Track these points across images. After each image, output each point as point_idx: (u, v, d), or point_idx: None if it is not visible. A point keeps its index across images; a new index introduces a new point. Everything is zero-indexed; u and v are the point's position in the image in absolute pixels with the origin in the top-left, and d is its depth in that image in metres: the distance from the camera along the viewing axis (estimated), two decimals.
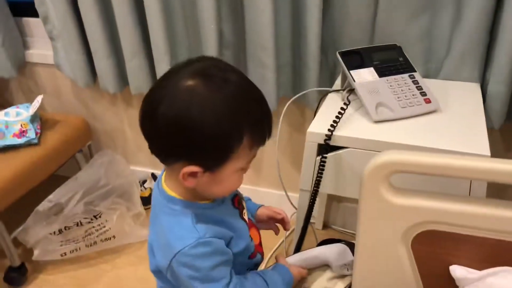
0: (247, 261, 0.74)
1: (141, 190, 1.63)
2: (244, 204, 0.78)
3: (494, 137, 1.20)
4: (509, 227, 0.60)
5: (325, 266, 0.85)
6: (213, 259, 0.64)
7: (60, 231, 1.36)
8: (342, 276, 0.82)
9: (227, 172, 0.63)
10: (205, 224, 0.64)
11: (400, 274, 0.68)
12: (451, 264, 0.65)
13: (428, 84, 0.99)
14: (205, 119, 0.57)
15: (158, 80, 0.63)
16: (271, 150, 1.47)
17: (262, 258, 0.80)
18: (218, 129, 0.58)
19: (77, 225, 1.37)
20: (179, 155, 0.61)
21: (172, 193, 0.67)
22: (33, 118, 1.41)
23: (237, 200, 0.75)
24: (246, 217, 0.76)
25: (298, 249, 1.03)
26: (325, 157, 0.90)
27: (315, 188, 0.94)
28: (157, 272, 0.71)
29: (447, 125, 0.91)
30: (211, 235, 0.64)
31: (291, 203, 1.17)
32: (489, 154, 0.80)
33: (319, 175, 0.92)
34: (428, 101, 0.96)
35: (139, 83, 1.39)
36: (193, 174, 0.61)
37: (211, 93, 0.58)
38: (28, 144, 1.37)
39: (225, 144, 0.59)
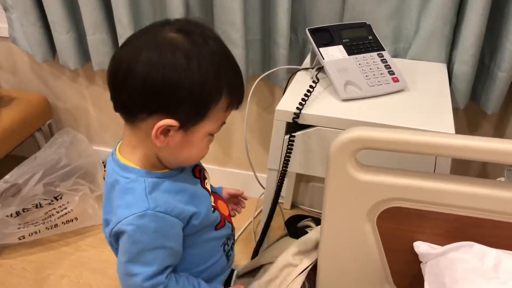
0: (215, 233, 0.71)
1: (105, 171, 1.58)
2: (206, 174, 0.75)
3: (458, 117, 1.23)
4: (471, 203, 0.61)
5: (289, 239, 0.84)
6: (154, 238, 0.60)
7: (17, 213, 1.29)
8: (307, 252, 0.82)
9: (199, 134, 0.61)
10: (160, 196, 0.61)
11: (365, 250, 0.68)
12: (415, 240, 0.65)
13: (396, 63, 0.99)
14: (190, 70, 0.56)
15: (135, 33, 0.61)
16: (239, 130, 1.45)
17: (233, 230, 0.77)
18: (201, 82, 0.57)
19: (36, 206, 1.32)
20: (155, 108, 0.58)
21: (127, 162, 0.64)
22: None
23: (197, 170, 0.72)
24: (208, 187, 0.73)
25: (266, 229, 1.02)
26: (294, 136, 0.89)
27: (283, 168, 0.93)
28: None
29: (414, 104, 0.91)
30: (164, 210, 0.60)
31: (260, 183, 1.16)
32: (453, 132, 0.81)
33: (287, 154, 0.91)
34: (396, 80, 0.96)
35: (102, 59, 1.33)
36: (166, 131, 0.59)
37: (196, 46, 0.57)
38: None
39: (205, 99, 0.59)
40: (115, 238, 0.62)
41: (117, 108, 0.62)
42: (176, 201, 0.62)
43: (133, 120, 0.61)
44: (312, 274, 0.81)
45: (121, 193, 0.62)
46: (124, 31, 1.23)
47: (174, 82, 0.56)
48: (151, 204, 0.59)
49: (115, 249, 0.65)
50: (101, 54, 1.33)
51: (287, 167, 0.92)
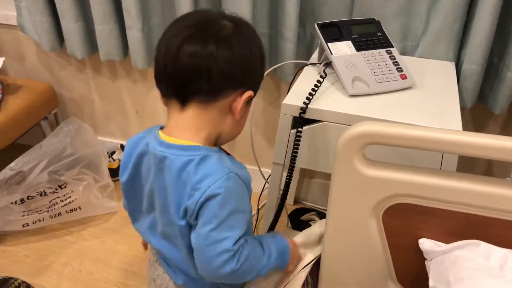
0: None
1: (109, 161, 1.58)
2: None
3: (465, 117, 1.22)
4: (478, 201, 0.61)
5: (292, 231, 0.84)
6: (238, 201, 0.65)
7: (22, 200, 1.30)
8: (311, 246, 0.82)
9: (250, 107, 0.72)
10: (230, 165, 0.67)
11: (370, 246, 0.68)
12: (420, 237, 0.65)
13: (405, 60, 0.98)
14: (260, 49, 0.70)
15: (192, 25, 0.66)
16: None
17: None
18: (264, 58, 0.71)
19: (41, 194, 1.32)
20: (241, 82, 0.67)
21: (191, 142, 0.67)
22: None
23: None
24: None
25: (273, 225, 1.02)
26: (301, 131, 0.89)
27: (291, 164, 0.92)
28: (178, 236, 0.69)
29: (422, 102, 0.91)
30: (240, 175, 0.66)
31: (264, 178, 1.16)
32: (461, 130, 0.81)
33: (295, 149, 0.90)
34: (404, 77, 0.95)
35: (109, 49, 1.33)
36: (247, 102, 0.69)
37: (254, 32, 0.71)
38: None
39: (263, 73, 0.73)
40: (200, 207, 0.63)
41: (190, 94, 0.66)
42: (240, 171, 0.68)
43: (210, 101, 0.66)
44: (315, 269, 0.81)
45: (198, 168, 0.64)
46: (132, 22, 1.23)
47: (256, 56, 0.68)
48: (230, 169, 0.65)
49: (187, 229, 0.67)
50: (108, 45, 1.32)
51: (294, 163, 0.92)
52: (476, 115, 1.22)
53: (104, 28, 1.29)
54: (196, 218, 0.65)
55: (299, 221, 0.97)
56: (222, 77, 0.64)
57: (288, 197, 1.49)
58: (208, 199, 0.63)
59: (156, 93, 1.50)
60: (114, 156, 1.62)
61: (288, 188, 0.95)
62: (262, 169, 1.12)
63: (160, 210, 0.71)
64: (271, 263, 0.72)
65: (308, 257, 0.80)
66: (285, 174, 0.95)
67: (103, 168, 1.44)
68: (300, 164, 0.94)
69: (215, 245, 0.64)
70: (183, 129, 0.68)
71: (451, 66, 1.07)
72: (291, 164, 0.92)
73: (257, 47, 0.69)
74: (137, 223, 0.81)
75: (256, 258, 0.69)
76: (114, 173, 1.54)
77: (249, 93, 0.68)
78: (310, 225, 0.88)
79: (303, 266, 0.80)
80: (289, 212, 1.07)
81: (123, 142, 1.66)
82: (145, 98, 1.52)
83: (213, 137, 0.70)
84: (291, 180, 0.95)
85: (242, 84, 0.67)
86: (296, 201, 1.54)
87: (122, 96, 1.54)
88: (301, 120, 0.88)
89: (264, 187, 1.16)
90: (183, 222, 0.66)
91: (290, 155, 0.91)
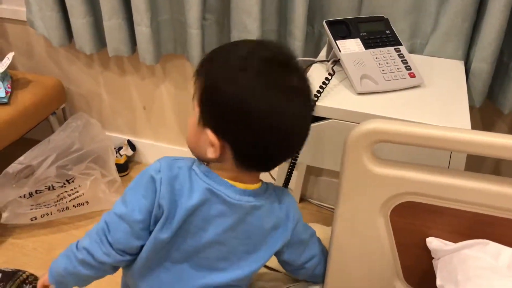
0: None
1: (116, 156, 1.59)
2: None
3: (473, 116, 1.21)
4: (486, 200, 0.60)
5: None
6: None
7: (30, 194, 1.31)
8: None
9: None
10: None
11: (377, 244, 0.68)
12: (428, 236, 0.65)
13: (413, 59, 0.98)
14: None
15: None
16: None
17: None
18: None
19: (49, 189, 1.33)
20: None
21: (260, 183, 0.67)
22: (3, 77, 1.34)
23: None
24: None
25: None
26: None
27: (292, 161, 0.92)
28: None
29: (430, 100, 0.91)
30: None
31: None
32: (470, 129, 0.80)
33: None
34: (412, 75, 0.95)
35: (117, 45, 1.34)
36: None
37: None
38: None
39: None
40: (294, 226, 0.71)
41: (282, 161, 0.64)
42: None
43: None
44: None
45: (279, 206, 0.68)
46: (141, 17, 1.24)
47: None
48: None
49: None
50: (117, 40, 1.33)
51: (296, 160, 0.92)
52: (485, 114, 1.21)
53: (112, 24, 1.30)
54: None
55: None
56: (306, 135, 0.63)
57: (294, 195, 1.51)
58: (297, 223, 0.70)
59: (163, 89, 1.50)
60: (121, 152, 1.62)
61: (288, 184, 0.95)
62: None
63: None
64: None
65: None
66: (293, 172, 0.95)
67: (110, 163, 1.45)
68: (307, 161, 0.94)
69: None
70: (250, 174, 0.67)
71: (460, 65, 1.07)
72: (292, 161, 0.92)
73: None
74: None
75: None
76: (121, 168, 1.54)
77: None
78: None
79: None
80: None
81: (131, 138, 1.67)
82: (152, 94, 1.53)
83: None
84: (291, 176, 0.95)
85: None
86: (302, 199, 1.54)
87: (130, 91, 1.55)
88: None
89: None
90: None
91: None
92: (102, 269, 0.66)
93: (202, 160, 0.65)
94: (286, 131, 0.57)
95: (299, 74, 0.59)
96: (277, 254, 0.73)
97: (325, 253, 0.78)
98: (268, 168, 0.64)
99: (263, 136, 0.57)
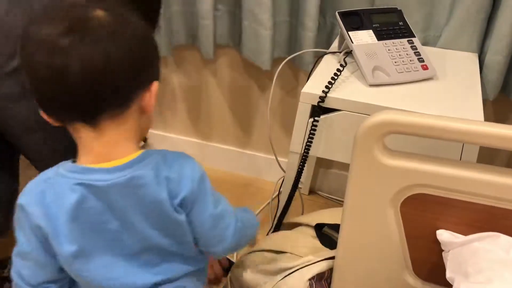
0: None
1: None
2: None
3: (487, 109, 1.20)
4: (498, 193, 0.60)
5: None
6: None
7: None
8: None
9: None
10: None
11: (387, 236, 0.68)
12: (438, 228, 0.65)
13: (426, 51, 0.97)
14: (144, 28, 0.61)
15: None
16: (261, 112, 1.45)
17: None
18: (151, 34, 0.65)
19: None
20: (146, 78, 0.60)
21: (131, 157, 0.60)
22: None
23: None
24: None
25: (284, 213, 1.03)
26: (317, 120, 0.89)
27: (305, 153, 0.92)
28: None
29: (443, 93, 0.90)
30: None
31: (280, 167, 1.16)
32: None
33: (310, 138, 0.91)
34: (425, 67, 0.94)
35: None
36: (155, 94, 0.62)
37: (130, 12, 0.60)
38: None
39: (158, 53, 0.65)
40: (197, 186, 0.64)
41: (104, 108, 0.57)
42: None
43: (126, 107, 0.58)
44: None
45: (165, 165, 0.62)
46: None
47: (147, 38, 0.61)
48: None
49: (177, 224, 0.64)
50: None
51: (308, 152, 0.92)
52: (499, 107, 1.19)
53: None
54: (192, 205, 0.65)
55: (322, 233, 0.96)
56: (128, 81, 0.56)
57: (303, 187, 1.51)
58: (203, 177, 0.64)
59: (175, 80, 1.51)
60: None
61: (300, 176, 0.95)
62: (279, 158, 1.13)
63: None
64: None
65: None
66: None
67: None
68: (317, 153, 0.94)
69: (230, 214, 0.71)
70: (114, 147, 0.60)
71: (474, 57, 1.05)
72: (305, 153, 0.92)
73: (146, 31, 0.61)
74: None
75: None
76: None
77: (156, 84, 0.61)
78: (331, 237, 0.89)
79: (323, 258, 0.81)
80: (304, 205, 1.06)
81: None
82: (164, 85, 1.54)
83: (139, 140, 0.64)
84: (303, 168, 0.95)
85: (151, 78, 0.61)
86: (311, 191, 1.54)
87: None
88: (318, 109, 0.88)
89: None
90: (181, 217, 0.64)
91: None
92: None
93: None
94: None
95: None
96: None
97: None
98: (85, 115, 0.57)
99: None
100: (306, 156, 0.93)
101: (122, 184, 0.58)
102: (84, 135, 0.59)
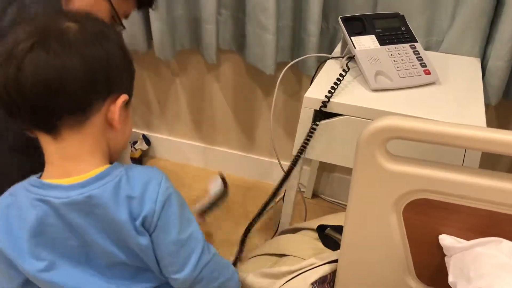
0: None
1: (131, 151, 1.61)
2: None
3: (489, 114, 1.20)
4: (500, 198, 0.60)
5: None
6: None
7: None
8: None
9: (130, 110, 0.64)
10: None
11: (389, 241, 0.68)
12: (440, 233, 0.65)
13: (429, 56, 0.97)
14: (118, 44, 0.60)
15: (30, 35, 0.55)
16: (264, 117, 1.46)
17: None
18: (126, 52, 0.62)
19: None
20: (109, 88, 0.58)
21: (95, 172, 0.58)
22: None
23: None
24: None
25: (263, 209, 1.03)
26: (317, 124, 0.89)
27: (298, 154, 0.93)
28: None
29: (445, 98, 0.90)
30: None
31: (283, 171, 1.16)
32: (485, 126, 0.80)
33: (306, 141, 0.91)
34: (427, 72, 0.95)
35: (133, 40, 1.35)
36: (124, 108, 0.61)
37: (107, 27, 0.61)
38: None
39: (132, 71, 0.64)
40: (160, 208, 0.59)
41: (54, 119, 0.56)
42: None
43: (84, 117, 0.57)
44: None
45: (127, 184, 0.59)
46: (157, 12, 1.25)
47: (115, 53, 0.59)
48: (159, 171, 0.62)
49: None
50: (132, 35, 1.35)
51: (302, 153, 0.92)
52: (501, 112, 1.20)
53: (129, 19, 1.31)
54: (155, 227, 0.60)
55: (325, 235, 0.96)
56: (82, 89, 0.55)
57: (306, 191, 1.51)
58: (168, 198, 0.60)
59: (178, 84, 1.52)
60: (136, 146, 1.65)
61: (288, 176, 0.96)
62: (282, 162, 1.13)
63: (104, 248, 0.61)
64: None
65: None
66: (305, 167, 0.96)
67: (126, 158, 1.47)
68: (319, 157, 0.95)
69: (193, 223, 0.65)
70: (72, 161, 0.58)
71: (476, 62, 1.06)
72: (298, 154, 0.92)
73: (113, 43, 0.59)
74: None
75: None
76: (136, 162, 1.56)
77: (123, 97, 0.60)
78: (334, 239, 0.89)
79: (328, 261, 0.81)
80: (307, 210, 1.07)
81: (145, 132, 1.69)
82: (168, 89, 1.55)
83: (107, 154, 0.62)
84: (293, 169, 0.95)
85: (110, 90, 0.59)
86: (314, 195, 1.54)
87: (145, 86, 1.57)
88: (320, 114, 0.89)
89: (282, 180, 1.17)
90: (143, 240, 0.60)
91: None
92: None
93: None
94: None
95: None
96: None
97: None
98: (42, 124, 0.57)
99: None
100: (298, 158, 0.93)
101: (79, 203, 0.56)
102: (46, 146, 0.58)
